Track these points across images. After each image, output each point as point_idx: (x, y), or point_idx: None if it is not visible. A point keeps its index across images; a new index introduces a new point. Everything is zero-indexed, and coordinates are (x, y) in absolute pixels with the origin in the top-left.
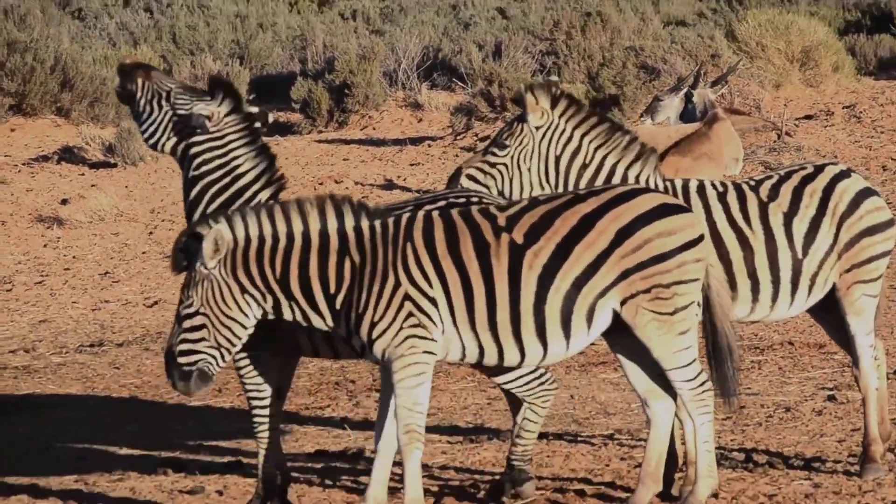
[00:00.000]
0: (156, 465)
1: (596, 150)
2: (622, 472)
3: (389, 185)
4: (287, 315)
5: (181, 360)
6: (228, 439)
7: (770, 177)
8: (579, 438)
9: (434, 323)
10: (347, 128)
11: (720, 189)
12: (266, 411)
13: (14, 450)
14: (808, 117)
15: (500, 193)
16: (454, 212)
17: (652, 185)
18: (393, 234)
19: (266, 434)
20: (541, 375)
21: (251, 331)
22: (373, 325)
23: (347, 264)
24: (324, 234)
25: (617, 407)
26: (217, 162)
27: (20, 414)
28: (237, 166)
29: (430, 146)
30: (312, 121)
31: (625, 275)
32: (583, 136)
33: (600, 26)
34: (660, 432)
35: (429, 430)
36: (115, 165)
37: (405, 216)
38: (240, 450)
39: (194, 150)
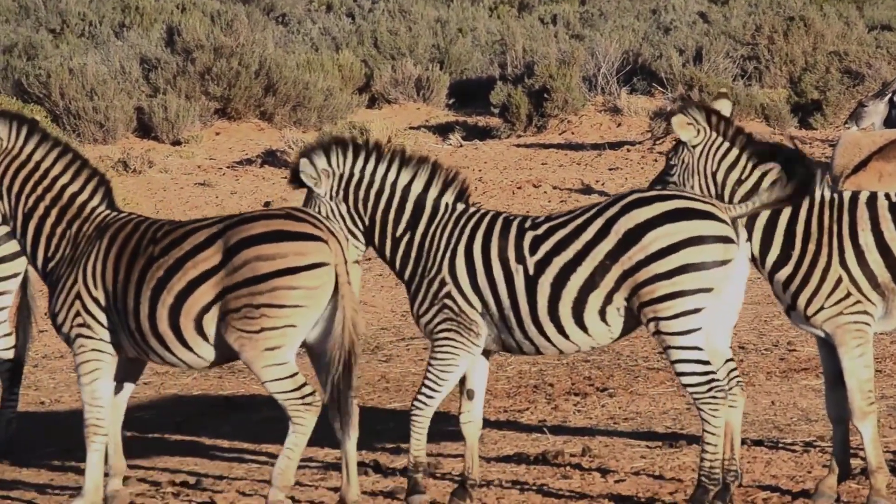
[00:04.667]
0: (357, 465)
1: (755, 167)
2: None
3: (587, 190)
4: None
5: None
6: (428, 442)
7: None
8: (780, 445)
9: (100, 323)
10: (546, 132)
11: (894, 199)
12: (432, 402)
13: (218, 449)
14: None
15: None
16: (147, 220)
17: (817, 198)
18: (93, 229)
19: (422, 422)
20: (710, 381)
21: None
22: (54, 313)
23: (64, 237)
24: (72, 197)
25: (818, 413)
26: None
27: (224, 414)
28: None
29: (628, 151)
30: (511, 125)
31: (224, 293)
32: (740, 152)
33: (803, 31)
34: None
35: (626, 435)
36: None
37: (118, 216)
38: (439, 452)
39: None
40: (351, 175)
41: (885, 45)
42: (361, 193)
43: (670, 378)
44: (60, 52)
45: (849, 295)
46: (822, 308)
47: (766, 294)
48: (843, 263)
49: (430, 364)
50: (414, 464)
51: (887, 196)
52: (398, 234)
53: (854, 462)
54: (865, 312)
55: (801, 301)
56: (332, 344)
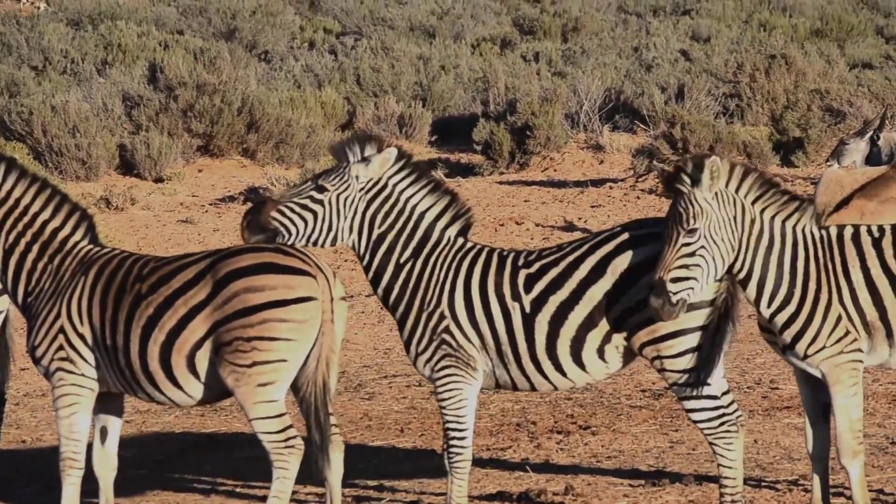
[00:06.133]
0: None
1: (752, 204)
2: None
3: (570, 227)
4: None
5: None
6: (410, 479)
7: None
8: (763, 483)
9: (83, 359)
10: (528, 169)
11: (876, 235)
12: (465, 443)
13: (200, 489)
14: None
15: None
16: (132, 255)
17: (808, 235)
18: (76, 264)
19: (462, 466)
20: (722, 415)
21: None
22: (34, 346)
23: (45, 271)
24: (54, 232)
25: (801, 452)
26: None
27: (206, 453)
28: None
29: (611, 188)
30: (494, 162)
31: (215, 327)
32: (745, 196)
33: (785, 69)
34: None
35: (609, 472)
36: None
37: (101, 251)
38: (422, 490)
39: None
40: (385, 185)
41: (867, 84)
42: (386, 206)
43: (653, 416)
44: (43, 90)
45: (847, 333)
46: (824, 347)
47: (748, 332)
48: (841, 301)
49: (441, 409)
50: None
51: (869, 231)
52: (402, 259)
53: (836, 502)
54: (860, 350)
55: (804, 340)
56: (305, 380)
